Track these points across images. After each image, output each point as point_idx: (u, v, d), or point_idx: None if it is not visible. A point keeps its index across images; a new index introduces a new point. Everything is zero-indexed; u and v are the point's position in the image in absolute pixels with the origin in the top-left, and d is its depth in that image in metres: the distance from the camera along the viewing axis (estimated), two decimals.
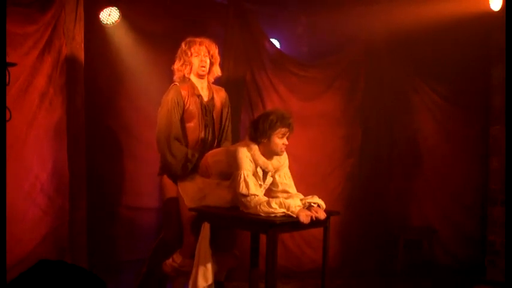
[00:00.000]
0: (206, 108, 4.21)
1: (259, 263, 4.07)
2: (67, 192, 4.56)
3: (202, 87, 4.24)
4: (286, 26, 6.37)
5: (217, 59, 4.28)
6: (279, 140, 3.71)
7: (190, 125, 4.15)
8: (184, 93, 4.12)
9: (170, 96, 4.10)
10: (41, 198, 4.44)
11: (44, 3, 4.43)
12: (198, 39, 4.21)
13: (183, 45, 4.21)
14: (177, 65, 4.20)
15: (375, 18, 5.80)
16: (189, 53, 4.16)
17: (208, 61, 4.21)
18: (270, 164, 3.81)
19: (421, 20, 5.22)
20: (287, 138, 3.78)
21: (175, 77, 4.23)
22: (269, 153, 3.78)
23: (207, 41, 4.23)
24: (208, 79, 4.29)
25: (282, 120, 3.72)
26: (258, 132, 3.73)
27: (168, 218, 4.19)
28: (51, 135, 4.51)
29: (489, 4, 4.99)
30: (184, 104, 4.11)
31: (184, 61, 4.17)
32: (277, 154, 3.77)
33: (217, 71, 4.31)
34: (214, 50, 4.25)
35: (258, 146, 3.75)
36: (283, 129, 3.71)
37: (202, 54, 4.18)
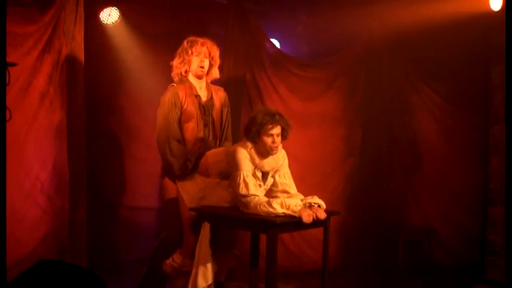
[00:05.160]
0: (205, 108, 4.21)
1: (259, 263, 4.08)
2: (67, 192, 4.56)
3: (201, 87, 4.24)
4: (286, 26, 6.36)
5: (217, 61, 4.28)
6: (268, 138, 3.72)
7: (189, 125, 4.15)
8: (181, 93, 4.12)
9: (167, 97, 4.10)
10: (41, 198, 4.44)
11: (44, 3, 4.43)
12: (200, 40, 4.20)
13: (184, 43, 4.21)
14: (175, 62, 4.21)
15: (375, 18, 5.81)
16: (190, 52, 4.16)
17: (207, 62, 4.21)
18: (266, 164, 3.82)
19: (421, 20, 5.22)
20: (283, 137, 3.79)
21: (173, 74, 4.23)
22: (265, 153, 3.78)
23: (209, 43, 4.22)
24: (206, 80, 4.29)
25: (265, 117, 3.73)
26: (247, 133, 3.78)
27: (170, 218, 4.19)
28: (51, 135, 4.51)
29: (489, 4, 5.00)
30: (181, 105, 4.11)
31: (184, 59, 4.17)
32: (270, 153, 3.77)
33: (215, 74, 4.30)
34: (216, 52, 4.25)
35: (254, 146, 3.77)
36: (269, 126, 3.71)
37: (203, 54, 4.18)
